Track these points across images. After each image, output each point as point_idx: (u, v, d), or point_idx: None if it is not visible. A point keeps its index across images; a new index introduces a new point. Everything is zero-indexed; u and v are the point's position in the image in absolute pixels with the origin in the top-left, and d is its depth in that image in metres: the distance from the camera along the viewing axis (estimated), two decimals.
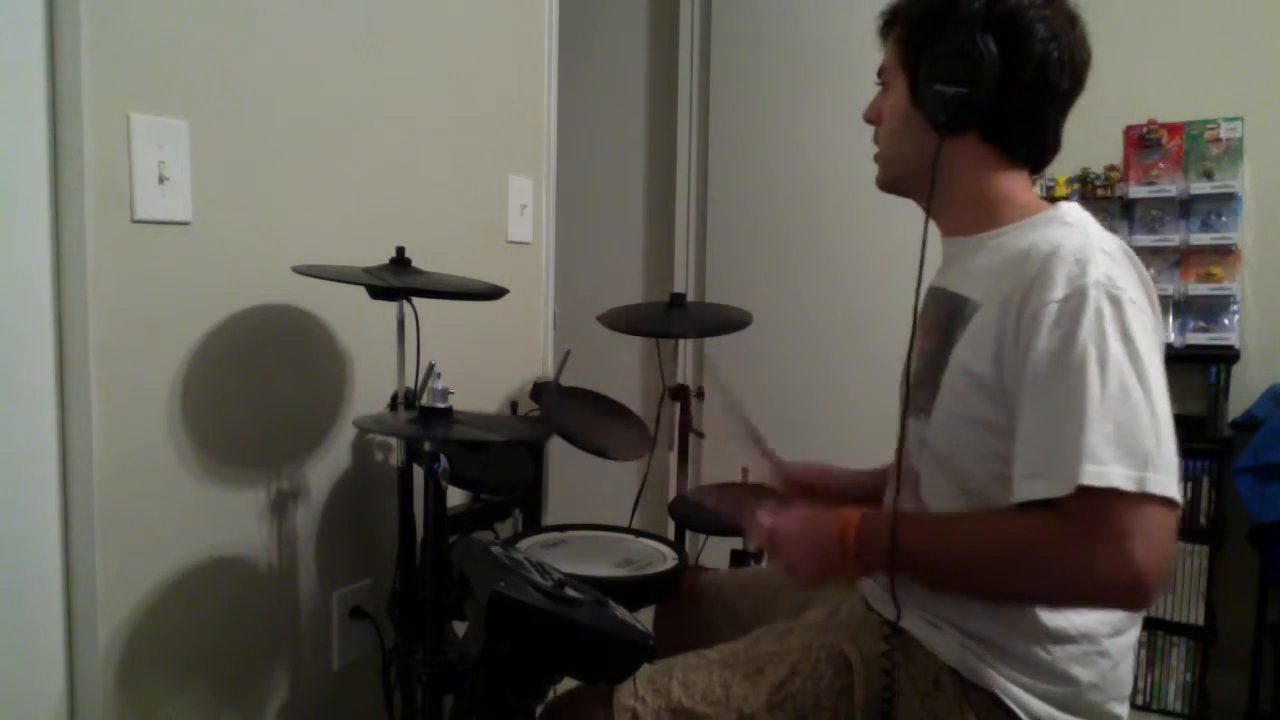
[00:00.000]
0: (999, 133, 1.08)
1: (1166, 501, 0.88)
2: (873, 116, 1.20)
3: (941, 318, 1.10)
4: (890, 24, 1.16)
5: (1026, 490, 0.93)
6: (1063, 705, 1.02)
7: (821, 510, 1.08)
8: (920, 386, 1.09)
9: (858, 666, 1.09)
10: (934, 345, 1.09)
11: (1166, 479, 0.89)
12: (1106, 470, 0.88)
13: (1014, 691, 1.01)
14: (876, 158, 1.20)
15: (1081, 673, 1.01)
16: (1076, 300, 0.92)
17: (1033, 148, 1.10)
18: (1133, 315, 0.92)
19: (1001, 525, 0.97)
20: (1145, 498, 0.88)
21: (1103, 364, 0.90)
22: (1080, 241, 0.98)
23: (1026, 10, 1.03)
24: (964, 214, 1.10)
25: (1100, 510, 0.88)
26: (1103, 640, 1.02)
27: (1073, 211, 1.06)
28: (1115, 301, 0.92)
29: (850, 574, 1.08)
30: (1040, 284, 0.95)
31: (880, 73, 1.18)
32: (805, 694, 1.09)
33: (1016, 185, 1.10)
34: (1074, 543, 0.89)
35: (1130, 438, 0.89)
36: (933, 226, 1.13)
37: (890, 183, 1.19)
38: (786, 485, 1.38)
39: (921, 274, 1.10)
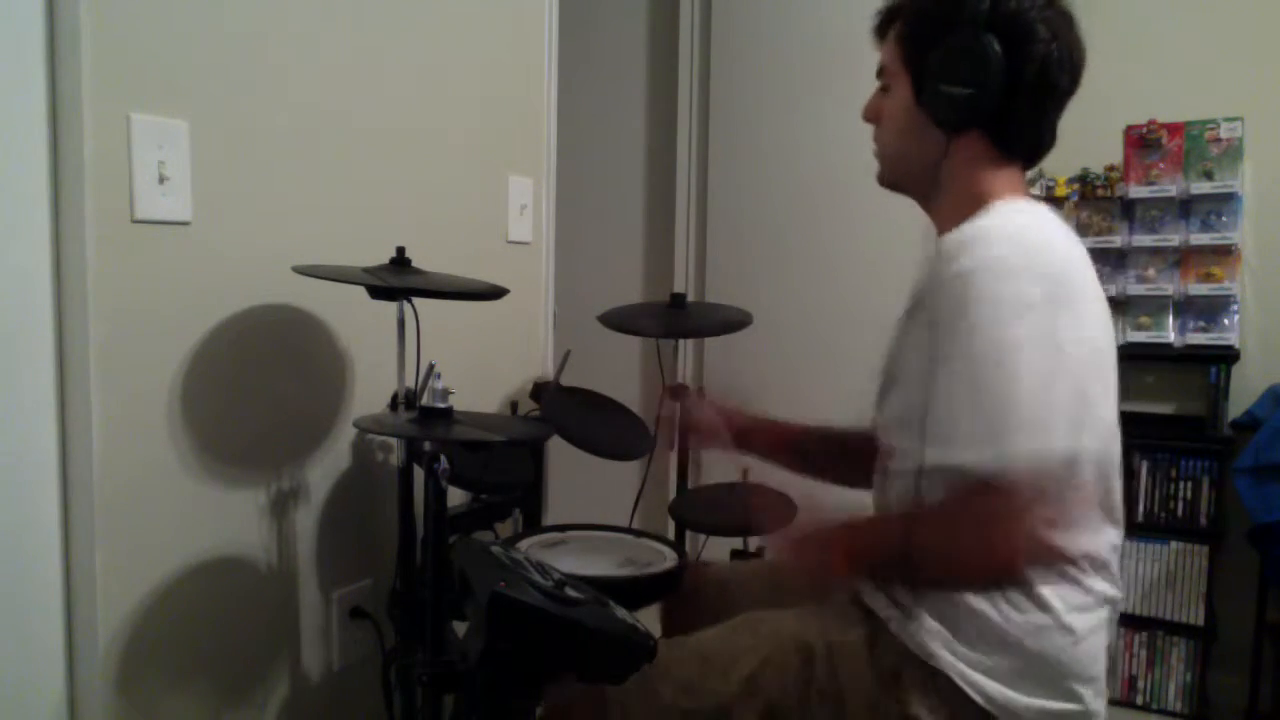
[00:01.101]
0: (1000, 131, 1.09)
1: (1019, 477, 0.91)
2: (872, 116, 1.21)
3: (907, 310, 1.14)
4: (888, 22, 1.17)
5: (949, 472, 0.97)
6: (1019, 683, 1.02)
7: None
8: (883, 377, 1.17)
9: (820, 655, 1.10)
10: (896, 336, 1.16)
11: (1015, 458, 0.91)
12: (1006, 461, 0.91)
13: (970, 675, 1.03)
14: (877, 155, 1.21)
15: (1036, 645, 1.02)
16: (967, 276, 0.96)
17: (1030, 145, 1.12)
18: (1010, 298, 0.94)
19: (911, 522, 1.04)
20: (996, 479, 0.91)
21: (1001, 350, 0.93)
22: (996, 223, 1.01)
23: (1028, 11, 1.05)
24: (956, 212, 1.11)
25: (965, 492, 0.94)
26: (1062, 615, 1.03)
27: (1018, 202, 1.08)
28: (999, 277, 0.95)
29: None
30: (944, 261, 1.00)
31: (880, 72, 1.19)
32: (775, 684, 1.10)
33: (1009, 181, 1.11)
34: (942, 527, 0.96)
35: (1030, 427, 0.92)
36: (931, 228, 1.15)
37: (893, 181, 1.21)
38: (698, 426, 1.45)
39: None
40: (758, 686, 1.10)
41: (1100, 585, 1.07)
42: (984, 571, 0.96)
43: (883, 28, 1.18)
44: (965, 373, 0.94)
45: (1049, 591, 1.03)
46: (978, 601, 1.03)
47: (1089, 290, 1.02)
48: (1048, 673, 1.03)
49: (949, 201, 1.12)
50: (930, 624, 1.05)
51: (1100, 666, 1.07)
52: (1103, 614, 1.07)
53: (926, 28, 1.10)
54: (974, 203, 1.10)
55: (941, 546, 0.96)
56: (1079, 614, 1.04)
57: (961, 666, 1.03)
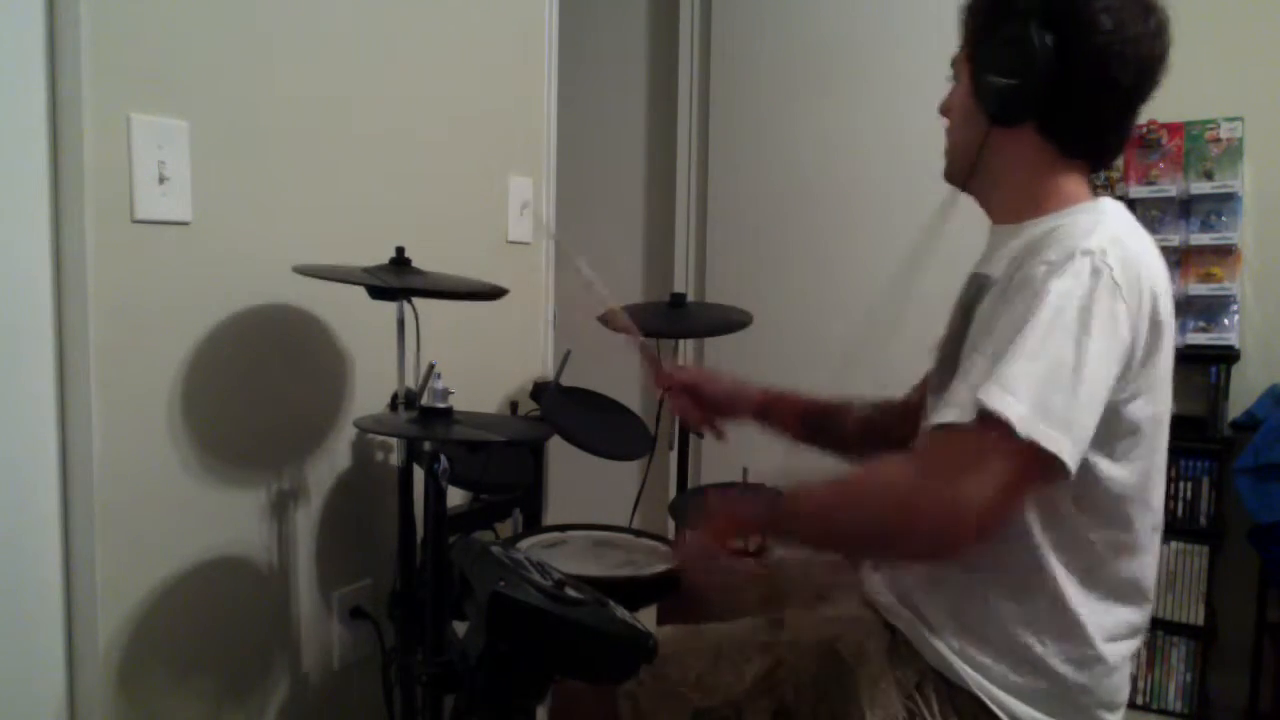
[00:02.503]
0: (1056, 128, 1.05)
1: (1047, 458, 0.87)
2: (944, 108, 1.17)
3: (966, 299, 1.11)
4: (963, 17, 1.14)
5: (938, 415, 0.93)
6: (1047, 706, 1.01)
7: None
8: (944, 367, 1.10)
9: (838, 661, 1.10)
10: (958, 325, 1.09)
11: (1059, 436, 0.87)
12: (1008, 399, 0.87)
13: (996, 693, 1.01)
14: (946, 150, 1.17)
15: (1069, 672, 1.01)
16: (1061, 263, 0.92)
17: (1091, 144, 1.08)
18: (1103, 293, 0.91)
19: (869, 473, 1.02)
20: (1029, 445, 0.87)
21: (1057, 315, 0.90)
22: (1094, 221, 0.98)
23: (1089, 2, 0.99)
24: (1013, 203, 1.09)
25: (985, 438, 0.88)
26: (1097, 643, 1.02)
27: (1108, 203, 1.05)
28: (1095, 273, 0.91)
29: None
30: (1041, 250, 0.95)
31: (953, 65, 1.16)
32: (788, 686, 1.10)
33: (1069, 180, 1.07)
34: (935, 466, 0.91)
35: (1049, 387, 0.88)
36: (982, 215, 1.14)
37: (953, 175, 1.16)
38: (659, 379, 1.42)
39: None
40: (770, 686, 1.10)
41: (1139, 616, 1.06)
42: (958, 523, 0.88)
43: (962, 23, 1.14)
44: (1038, 340, 0.89)
45: (1091, 619, 1.01)
46: (1015, 625, 1.01)
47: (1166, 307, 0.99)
48: (1079, 699, 1.02)
49: (1006, 194, 1.09)
50: (955, 642, 1.04)
51: (1125, 693, 1.07)
52: (1135, 643, 1.06)
53: (986, 20, 1.07)
54: (1031, 197, 1.07)
55: (888, 496, 0.92)
56: (1115, 643, 1.03)
57: (988, 685, 1.01)
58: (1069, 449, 0.88)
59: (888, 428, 1.32)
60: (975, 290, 1.09)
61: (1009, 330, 0.91)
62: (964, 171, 1.13)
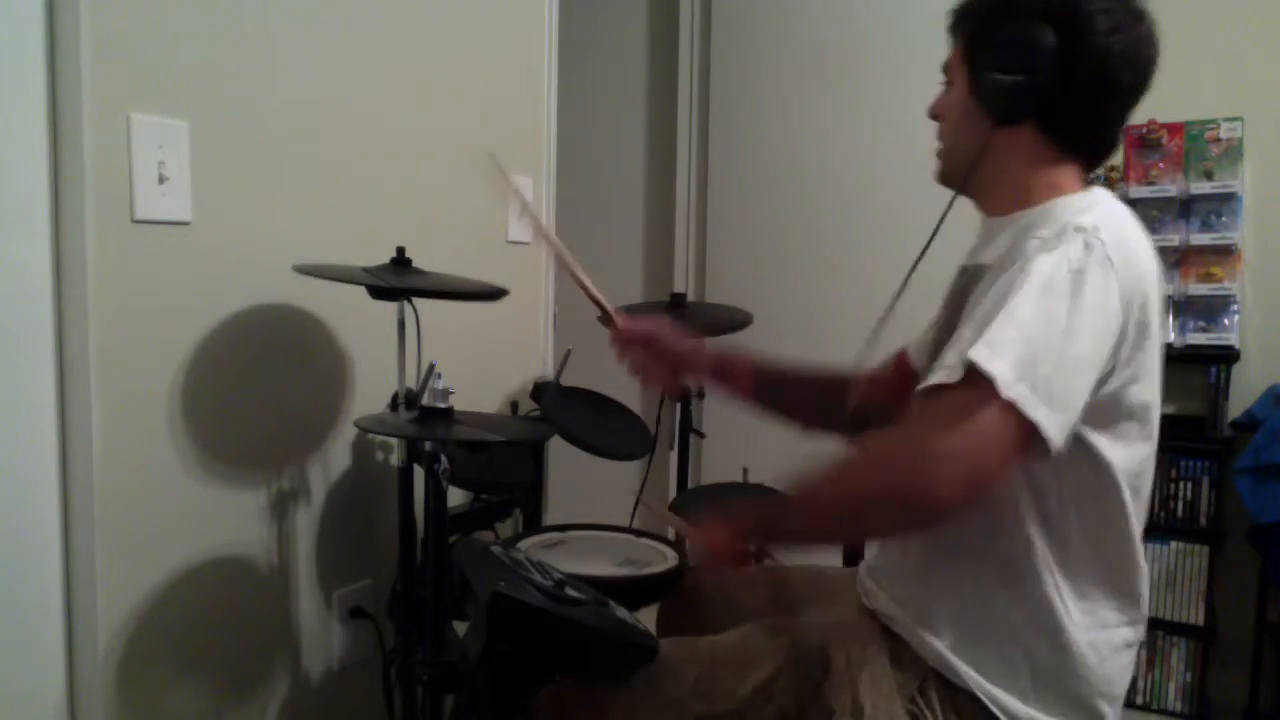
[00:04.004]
0: (1056, 125, 1.06)
1: (1025, 423, 0.87)
2: (936, 112, 1.18)
3: (957, 290, 1.12)
4: (957, 21, 1.14)
5: (926, 381, 0.93)
6: (1045, 701, 1.02)
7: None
8: (934, 357, 1.09)
9: (840, 669, 1.10)
10: (948, 316, 1.10)
11: (1043, 406, 0.87)
12: (998, 364, 0.87)
13: (994, 693, 1.02)
14: (938, 153, 1.18)
15: (1065, 663, 1.01)
16: (1053, 238, 0.94)
17: (1090, 143, 1.09)
18: (1095, 267, 0.92)
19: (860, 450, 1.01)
20: (1010, 407, 0.86)
21: (1047, 288, 0.90)
22: (1088, 202, 1.00)
23: (1089, 3, 1.02)
24: (1007, 197, 1.10)
25: (968, 394, 0.88)
26: (1092, 633, 1.02)
27: (1100, 191, 1.06)
28: (1088, 248, 0.92)
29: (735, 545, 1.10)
30: (1032, 229, 0.97)
31: (945, 69, 1.17)
32: (789, 693, 1.09)
33: (1063, 174, 1.08)
34: (919, 424, 0.91)
35: (1036, 359, 0.88)
36: (971, 209, 1.14)
37: (949, 175, 1.17)
38: (617, 335, 1.37)
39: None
40: (772, 693, 1.09)
41: (1134, 605, 1.06)
42: (942, 481, 0.86)
43: (953, 27, 1.15)
44: (1030, 305, 0.90)
45: (1084, 608, 1.02)
46: (1010, 619, 1.01)
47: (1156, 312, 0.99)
48: (1077, 690, 1.02)
49: (1001, 189, 1.10)
50: (953, 640, 1.04)
51: (1124, 684, 1.07)
52: (1131, 632, 1.06)
53: (985, 21, 1.08)
54: (1026, 191, 1.08)
55: (913, 440, 0.90)
56: (1107, 631, 1.04)
57: (987, 684, 1.02)
58: (1052, 421, 0.87)
59: (841, 396, 1.30)
60: (968, 280, 1.10)
61: (999, 297, 0.92)
62: (963, 172, 1.13)
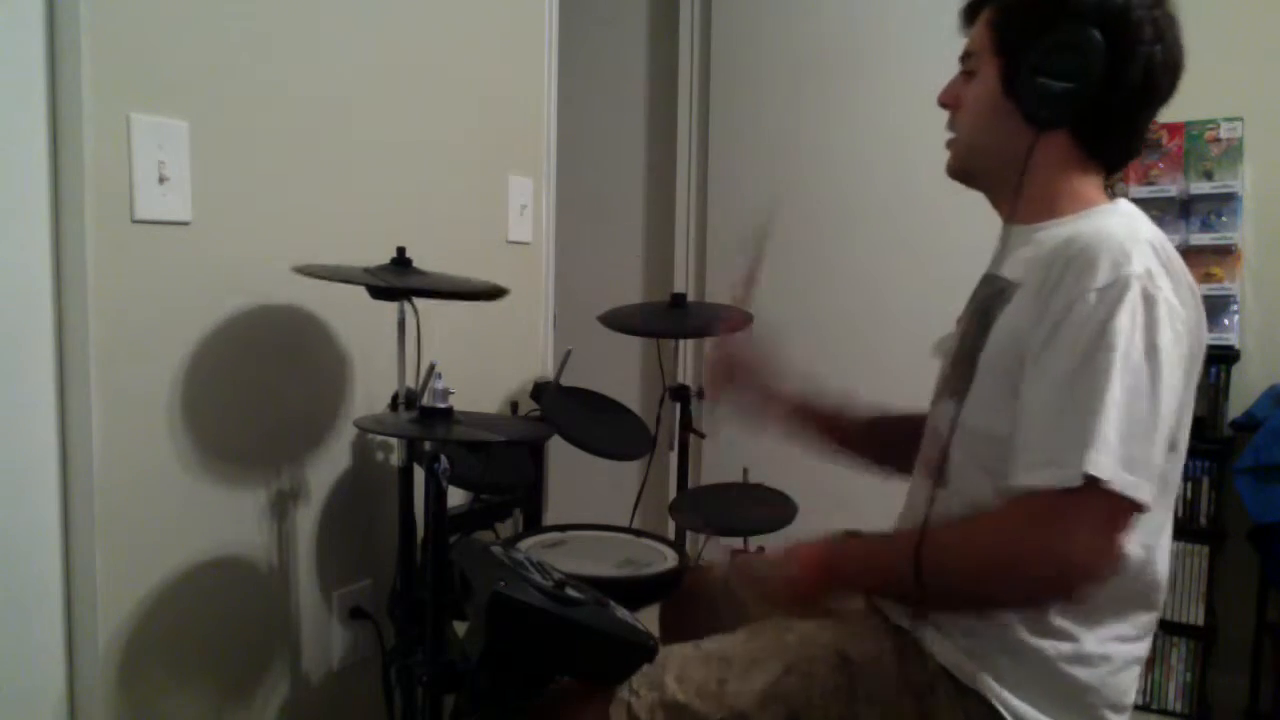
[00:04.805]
0: (1090, 132, 1.05)
1: (1136, 505, 0.90)
2: (950, 101, 1.15)
3: (983, 301, 1.10)
4: (978, 6, 1.12)
5: (1033, 477, 0.92)
6: (1056, 709, 1.01)
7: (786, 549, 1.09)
8: (957, 369, 1.09)
9: (848, 666, 1.09)
10: (974, 328, 1.08)
11: (1145, 484, 0.90)
12: (1107, 462, 0.88)
13: (1004, 695, 1.01)
14: (951, 144, 1.15)
15: (1076, 672, 1.01)
16: (1116, 291, 0.91)
17: (1118, 148, 1.09)
18: (1164, 316, 0.92)
19: (967, 532, 0.99)
20: (1120, 496, 0.89)
21: (1126, 360, 0.90)
22: (1127, 231, 0.97)
23: (1136, 9, 1.01)
24: (1029, 204, 1.08)
25: (1082, 499, 0.89)
26: (1104, 644, 1.02)
27: (1125, 205, 1.05)
28: (1150, 300, 0.91)
29: (815, 601, 1.09)
30: (1081, 268, 0.94)
31: (966, 57, 1.13)
32: (798, 693, 1.09)
33: (1086, 182, 1.08)
34: (1042, 527, 0.91)
35: (1131, 438, 0.89)
36: (980, 213, 1.14)
37: (964, 172, 1.15)
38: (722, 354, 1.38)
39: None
40: (779, 694, 1.08)
41: (1147, 617, 1.06)
42: (1082, 582, 0.91)
43: (971, 11, 1.12)
44: (1118, 385, 0.90)
45: (1097, 620, 1.02)
46: (1019, 626, 1.01)
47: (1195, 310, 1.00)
48: (1086, 699, 1.02)
49: (1025, 202, 1.08)
50: (964, 642, 1.04)
51: (1133, 695, 1.06)
52: (1143, 645, 1.06)
53: (1027, 15, 1.05)
54: (1050, 199, 1.06)
55: (1041, 552, 0.91)
56: (1122, 644, 1.03)
57: (996, 686, 1.01)
58: (1149, 489, 0.90)
59: (906, 440, 1.28)
60: (994, 293, 1.08)
61: (1086, 381, 0.91)
62: (984, 170, 1.12)
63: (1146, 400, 0.90)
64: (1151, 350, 0.91)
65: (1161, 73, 1.03)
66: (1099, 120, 1.04)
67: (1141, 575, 1.03)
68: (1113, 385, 0.89)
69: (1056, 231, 1.03)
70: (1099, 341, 0.90)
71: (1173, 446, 0.98)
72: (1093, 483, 0.88)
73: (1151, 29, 1.01)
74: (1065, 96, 1.01)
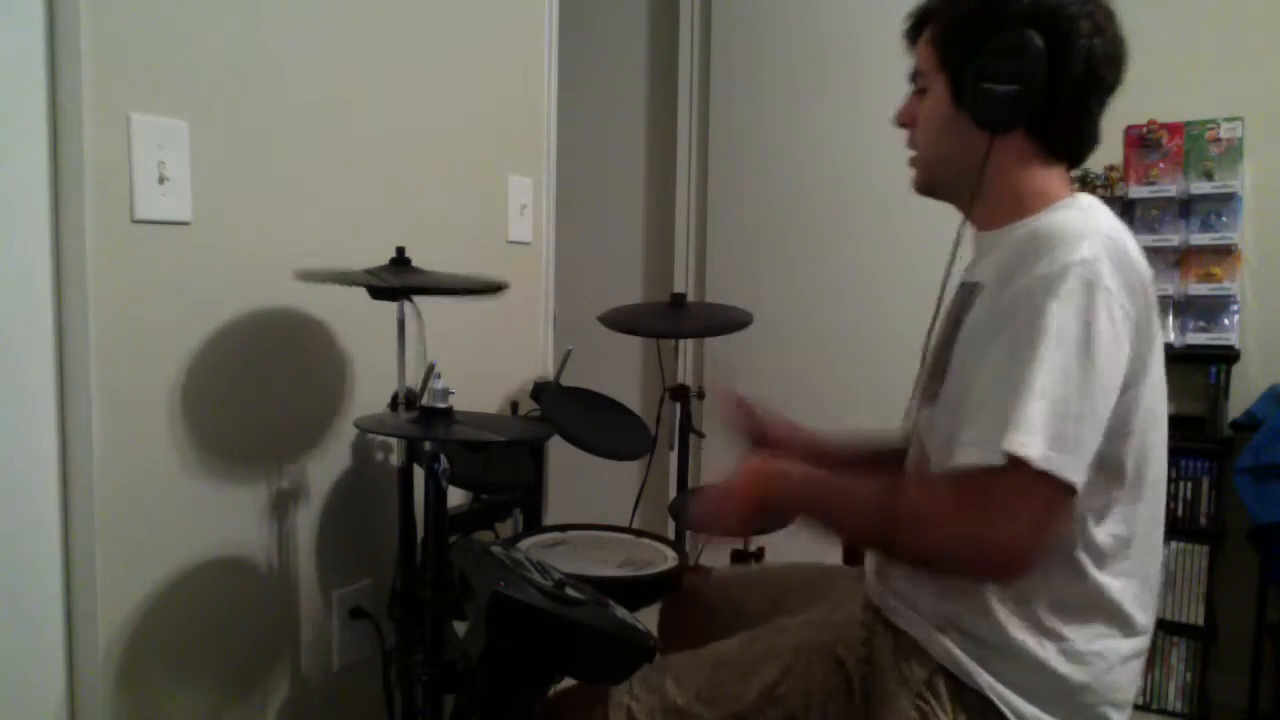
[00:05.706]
0: (1044, 129, 1.07)
1: (1063, 485, 0.91)
2: (906, 120, 1.17)
3: (955, 305, 1.12)
4: (920, 25, 1.14)
5: (963, 456, 0.95)
6: (1053, 706, 1.01)
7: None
8: (933, 373, 1.11)
9: (847, 666, 1.09)
10: (946, 332, 1.11)
11: (1073, 463, 0.91)
12: (1030, 440, 0.90)
13: (1003, 692, 1.01)
14: (913, 161, 1.18)
15: (1070, 670, 1.01)
16: (1055, 277, 0.94)
17: (1075, 142, 1.10)
18: (1101, 301, 0.93)
19: (896, 492, 1.03)
20: (1046, 475, 0.90)
21: (1058, 342, 0.92)
22: (1081, 222, 0.99)
23: (1069, 6, 1.03)
24: (998, 209, 1.10)
25: (1005, 480, 0.91)
26: (1097, 641, 1.02)
27: (1085, 198, 1.07)
28: (1089, 285, 0.93)
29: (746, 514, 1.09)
30: (1031, 260, 0.97)
31: (915, 76, 1.16)
32: (796, 695, 1.09)
33: (1052, 179, 1.10)
34: (969, 509, 0.93)
35: (1059, 418, 0.91)
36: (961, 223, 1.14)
37: (929, 185, 1.17)
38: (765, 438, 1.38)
39: (948, 274, 1.10)
40: (778, 696, 1.09)
41: (1142, 615, 1.06)
42: (1001, 564, 0.94)
43: (914, 31, 1.15)
44: (1046, 365, 0.92)
45: (1089, 616, 1.02)
46: (1014, 625, 1.02)
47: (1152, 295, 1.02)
48: (1084, 698, 1.02)
49: (991, 201, 1.10)
50: (963, 640, 1.04)
51: (1132, 692, 1.07)
52: (1139, 641, 1.06)
53: (964, 27, 1.07)
54: (1017, 200, 1.08)
55: (957, 527, 0.94)
56: (1115, 640, 1.04)
57: (996, 684, 1.02)
58: (1078, 469, 0.91)
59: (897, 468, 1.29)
60: (964, 297, 1.10)
61: (1017, 363, 0.93)
62: (948, 181, 1.14)
63: (1077, 382, 0.92)
64: (1085, 333, 0.92)
65: (1103, 64, 1.05)
66: (1050, 117, 1.06)
67: (1120, 567, 1.03)
68: (1041, 366, 0.91)
69: (1020, 231, 1.06)
70: (1033, 325, 0.93)
71: (1127, 432, 0.99)
72: (1017, 463, 0.90)
73: (1088, 23, 1.03)
74: (1012, 98, 1.04)
